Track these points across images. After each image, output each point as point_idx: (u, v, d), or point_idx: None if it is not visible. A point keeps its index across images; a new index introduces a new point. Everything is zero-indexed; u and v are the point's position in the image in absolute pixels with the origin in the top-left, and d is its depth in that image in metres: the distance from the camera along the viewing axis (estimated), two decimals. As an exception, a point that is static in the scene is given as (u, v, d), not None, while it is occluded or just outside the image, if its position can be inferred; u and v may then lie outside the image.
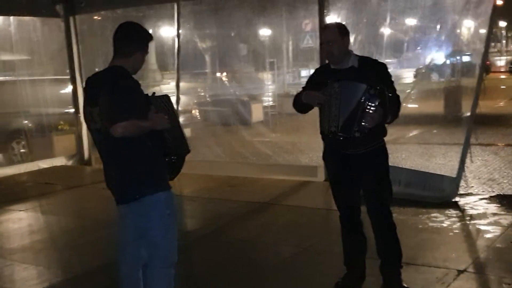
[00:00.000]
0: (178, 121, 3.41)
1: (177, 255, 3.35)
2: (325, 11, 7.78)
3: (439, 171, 7.54)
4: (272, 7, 10.20)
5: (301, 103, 4.02)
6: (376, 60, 4.07)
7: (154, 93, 3.29)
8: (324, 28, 4.06)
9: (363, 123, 3.70)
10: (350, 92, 3.76)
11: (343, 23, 4.32)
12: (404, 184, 6.49)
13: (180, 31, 9.60)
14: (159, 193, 3.21)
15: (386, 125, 3.98)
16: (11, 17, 9.97)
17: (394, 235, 4.06)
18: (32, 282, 4.70)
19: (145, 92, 3.22)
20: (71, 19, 10.05)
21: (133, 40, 3.22)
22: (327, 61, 4.13)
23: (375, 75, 3.84)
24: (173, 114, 3.36)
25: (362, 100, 3.69)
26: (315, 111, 4.03)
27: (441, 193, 6.40)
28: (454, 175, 6.60)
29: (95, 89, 3.15)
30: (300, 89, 4.14)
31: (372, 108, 3.68)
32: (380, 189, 4.01)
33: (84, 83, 3.36)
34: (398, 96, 3.90)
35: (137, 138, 3.08)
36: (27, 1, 9.56)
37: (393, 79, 3.98)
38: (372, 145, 3.91)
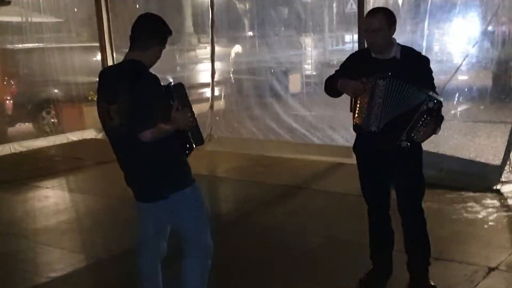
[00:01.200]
0: (193, 113, 3.47)
1: (212, 244, 3.52)
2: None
3: (481, 152, 7.54)
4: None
5: (334, 89, 4.02)
6: (419, 53, 4.02)
7: (170, 82, 3.37)
8: (370, 15, 3.92)
9: (412, 135, 3.72)
10: (397, 93, 3.74)
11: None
12: (445, 171, 6.54)
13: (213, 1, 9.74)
14: (185, 189, 3.35)
15: None
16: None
17: (424, 232, 4.13)
18: (54, 267, 4.97)
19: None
20: (100, -14, 10.28)
21: (154, 34, 3.28)
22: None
23: (417, 69, 3.84)
24: (190, 106, 3.43)
25: (418, 111, 3.68)
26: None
27: (483, 181, 6.45)
28: (496, 158, 6.60)
29: (113, 85, 3.22)
30: (333, 72, 4.12)
31: (426, 122, 3.67)
32: (412, 185, 4.06)
33: (98, 75, 3.41)
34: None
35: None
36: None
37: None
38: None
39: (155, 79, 3.21)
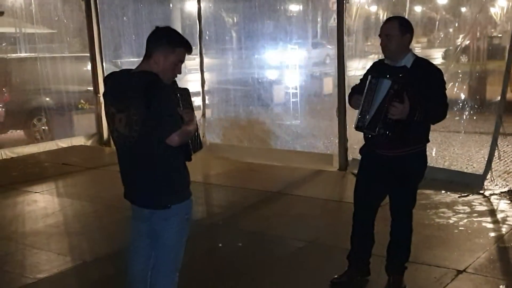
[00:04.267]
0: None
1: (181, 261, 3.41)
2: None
3: (455, 161, 7.67)
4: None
5: (350, 105, 4.21)
6: (432, 64, 4.04)
7: (176, 86, 3.29)
8: (386, 21, 4.07)
9: (388, 118, 3.77)
10: (382, 89, 3.84)
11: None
12: (429, 179, 6.68)
13: (201, 14, 9.89)
14: (186, 200, 3.32)
15: (427, 129, 4.02)
16: (33, -4, 10.29)
17: (409, 240, 4.24)
18: (41, 268, 5.01)
19: None
20: (91, -1, 10.38)
21: (155, 42, 3.17)
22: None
23: (425, 78, 3.87)
24: (193, 109, 3.36)
25: (388, 96, 3.77)
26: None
27: (465, 189, 6.65)
28: (469, 167, 6.69)
29: (124, 94, 3.13)
30: (358, 82, 4.24)
31: (395, 103, 3.73)
32: (407, 196, 4.14)
33: (104, 79, 3.32)
34: (445, 104, 3.90)
35: (167, 144, 3.11)
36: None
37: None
38: (406, 150, 3.95)
39: (167, 86, 3.16)
